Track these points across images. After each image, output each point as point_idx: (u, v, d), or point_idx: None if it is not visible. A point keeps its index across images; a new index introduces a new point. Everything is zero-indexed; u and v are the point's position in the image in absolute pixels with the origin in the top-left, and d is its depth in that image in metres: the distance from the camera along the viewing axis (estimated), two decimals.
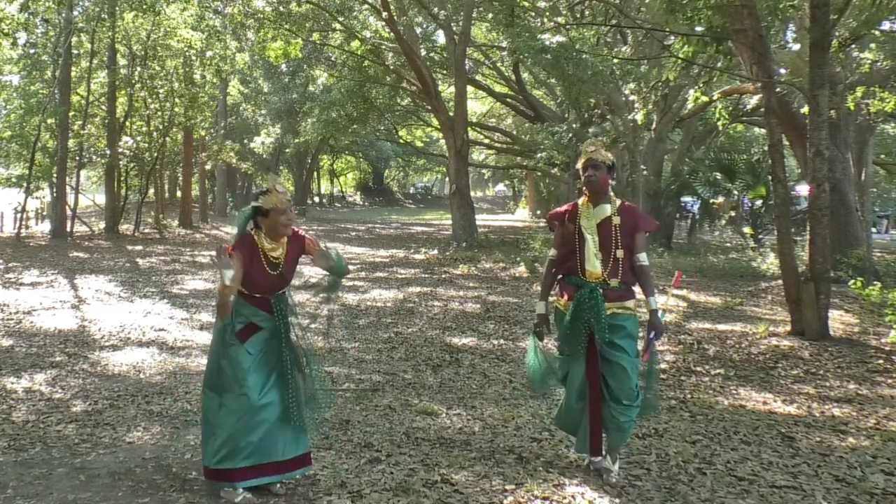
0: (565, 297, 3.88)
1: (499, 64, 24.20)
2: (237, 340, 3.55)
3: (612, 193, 3.86)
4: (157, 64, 22.91)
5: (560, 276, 3.97)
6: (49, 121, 20.44)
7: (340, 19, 19.53)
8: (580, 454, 4.03)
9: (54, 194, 21.47)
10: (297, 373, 3.64)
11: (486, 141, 30.31)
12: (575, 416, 3.87)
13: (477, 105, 33.00)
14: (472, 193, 23.59)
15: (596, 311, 3.70)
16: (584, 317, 3.73)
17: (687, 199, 21.54)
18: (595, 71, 15.16)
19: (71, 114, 21.55)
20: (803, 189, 14.12)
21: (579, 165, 3.92)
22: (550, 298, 4.02)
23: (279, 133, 31.90)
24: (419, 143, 39.03)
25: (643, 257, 3.77)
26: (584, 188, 3.91)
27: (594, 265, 3.75)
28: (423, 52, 20.43)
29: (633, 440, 4.34)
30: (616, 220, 3.77)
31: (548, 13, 18.77)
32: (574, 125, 17.22)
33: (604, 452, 3.93)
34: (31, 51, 22.55)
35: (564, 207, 4.02)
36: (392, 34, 17.76)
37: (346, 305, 9.79)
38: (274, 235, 3.60)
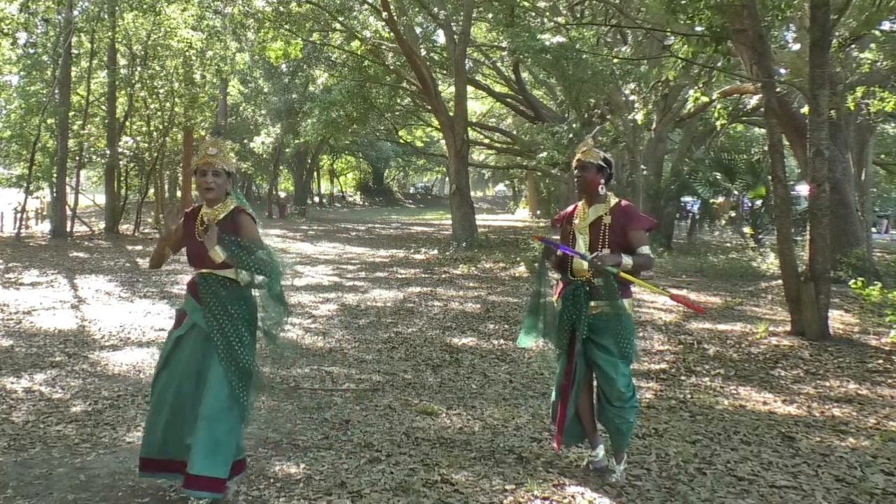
0: (557, 293, 3.94)
1: (499, 64, 24.20)
2: (174, 326, 3.51)
3: (607, 193, 3.85)
4: (157, 64, 22.92)
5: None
6: (49, 121, 20.45)
7: (340, 19, 19.54)
8: (583, 451, 4.06)
9: (54, 194, 21.47)
10: (212, 375, 3.30)
11: (486, 141, 30.31)
12: (556, 410, 3.94)
13: (477, 105, 33.00)
14: (472, 193, 23.59)
15: (577, 308, 3.74)
16: (568, 313, 3.78)
17: (687, 199, 21.54)
18: (595, 71, 15.17)
19: (71, 114, 21.56)
20: (803, 189, 14.11)
21: (573, 166, 3.94)
22: (551, 298, 4.05)
23: (279, 133, 31.90)
24: (419, 143, 39.03)
25: (645, 249, 3.71)
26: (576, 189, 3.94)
27: (580, 264, 3.78)
28: (423, 52, 20.42)
29: (632, 440, 4.34)
30: (607, 220, 3.77)
31: (548, 13, 18.79)
32: (574, 125, 17.22)
33: (597, 451, 3.96)
34: (31, 51, 22.56)
35: (568, 209, 4.06)
36: (392, 34, 17.76)
37: (346, 305, 9.78)
38: (203, 199, 3.45)
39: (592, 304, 3.75)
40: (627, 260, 3.64)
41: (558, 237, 4.05)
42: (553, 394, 4.00)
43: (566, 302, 3.81)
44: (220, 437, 3.28)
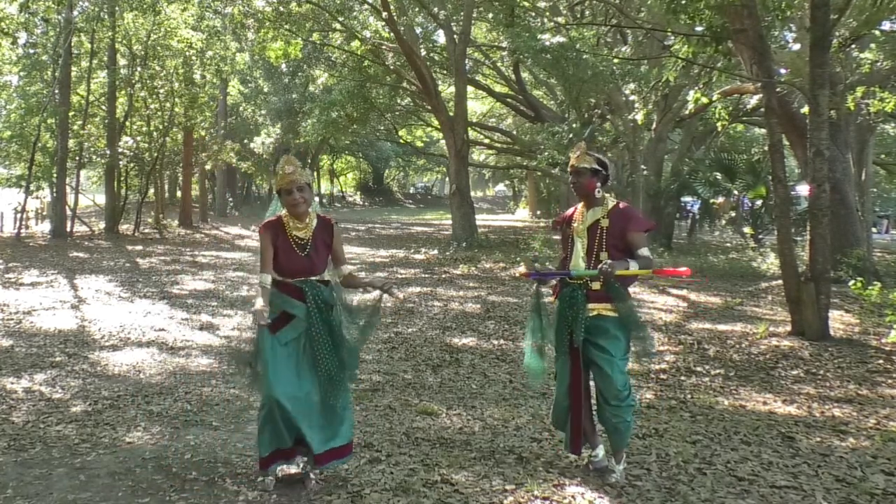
0: (555, 294, 3.95)
1: (499, 64, 24.20)
2: (270, 331, 3.62)
3: (605, 195, 3.85)
4: (157, 64, 22.93)
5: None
6: (49, 121, 20.45)
7: (340, 19, 19.53)
8: (591, 452, 4.03)
9: (54, 194, 21.47)
10: (329, 365, 3.62)
11: (486, 141, 30.28)
12: (562, 413, 3.92)
13: (477, 105, 32.98)
14: (472, 193, 23.58)
15: (574, 310, 3.74)
16: (566, 316, 3.79)
17: (687, 199, 21.54)
18: (595, 71, 15.17)
19: (71, 114, 21.56)
20: (803, 189, 14.11)
21: (568, 171, 3.96)
22: (549, 299, 4.06)
23: (279, 133, 31.89)
24: (419, 143, 39.00)
25: (644, 251, 3.73)
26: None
27: (578, 267, 3.79)
28: (423, 52, 20.41)
29: (632, 440, 4.34)
30: (604, 222, 3.78)
31: (548, 13, 18.79)
32: (574, 125, 17.22)
33: (597, 451, 3.95)
34: (31, 51, 22.57)
35: (568, 212, 4.07)
36: (392, 34, 17.76)
37: (345, 306, 9.77)
38: (293, 215, 3.67)
39: (590, 306, 3.75)
40: (634, 265, 3.67)
41: (559, 237, 4.06)
42: (558, 397, 3.95)
43: (563, 304, 3.82)
44: (347, 407, 3.74)
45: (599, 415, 3.85)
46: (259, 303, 3.55)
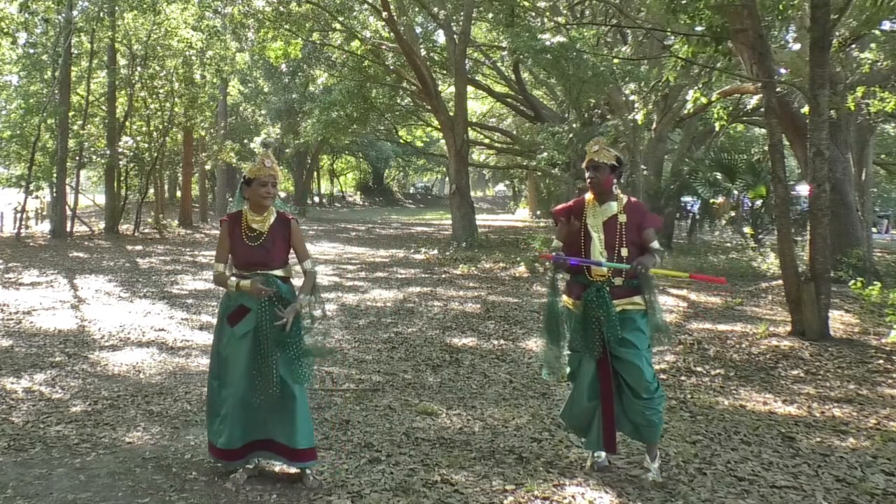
0: (573, 296, 3.86)
1: (499, 64, 24.19)
2: (228, 324, 3.72)
3: (618, 191, 3.85)
4: (157, 64, 22.93)
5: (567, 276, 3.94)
6: (49, 121, 20.45)
7: (340, 19, 19.53)
8: (594, 451, 3.97)
9: (54, 194, 21.47)
10: (277, 359, 3.62)
11: (486, 141, 30.28)
12: (585, 414, 3.85)
13: (477, 105, 32.97)
14: (472, 193, 23.58)
15: (604, 309, 3.69)
16: (594, 315, 3.72)
17: (687, 199, 21.51)
18: (595, 71, 15.17)
19: (71, 114, 21.56)
20: (803, 189, 14.11)
21: (583, 165, 3.90)
22: (565, 303, 4.03)
23: (279, 133, 31.88)
24: (419, 143, 38.99)
25: (656, 244, 3.79)
26: (588, 187, 3.91)
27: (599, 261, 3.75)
28: (423, 52, 20.41)
29: (633, 440, 4.33)
30: (622, 217, 3.76)
31: (548, 13, 18.77)
32: (574, 125, 17.21)
33: (599, 452, 3.94)
34: (31, 51, 22.57)
35: (571, 202, 3.99)
36: (392, 34, 17.76)
37: (345, 305, 9.79)
38: (256, 207, 3.74)
39: (615, 302, 3.72)
40: (658, 260, 3.73)
41: (564, 232, 3.95)
42: (578, 400, 3.86)
43: (590, 304, 3.72)
44: (306, 411, 3.75)
45: (629, 412, 3.76)
46: (233, 280, 3.68)
